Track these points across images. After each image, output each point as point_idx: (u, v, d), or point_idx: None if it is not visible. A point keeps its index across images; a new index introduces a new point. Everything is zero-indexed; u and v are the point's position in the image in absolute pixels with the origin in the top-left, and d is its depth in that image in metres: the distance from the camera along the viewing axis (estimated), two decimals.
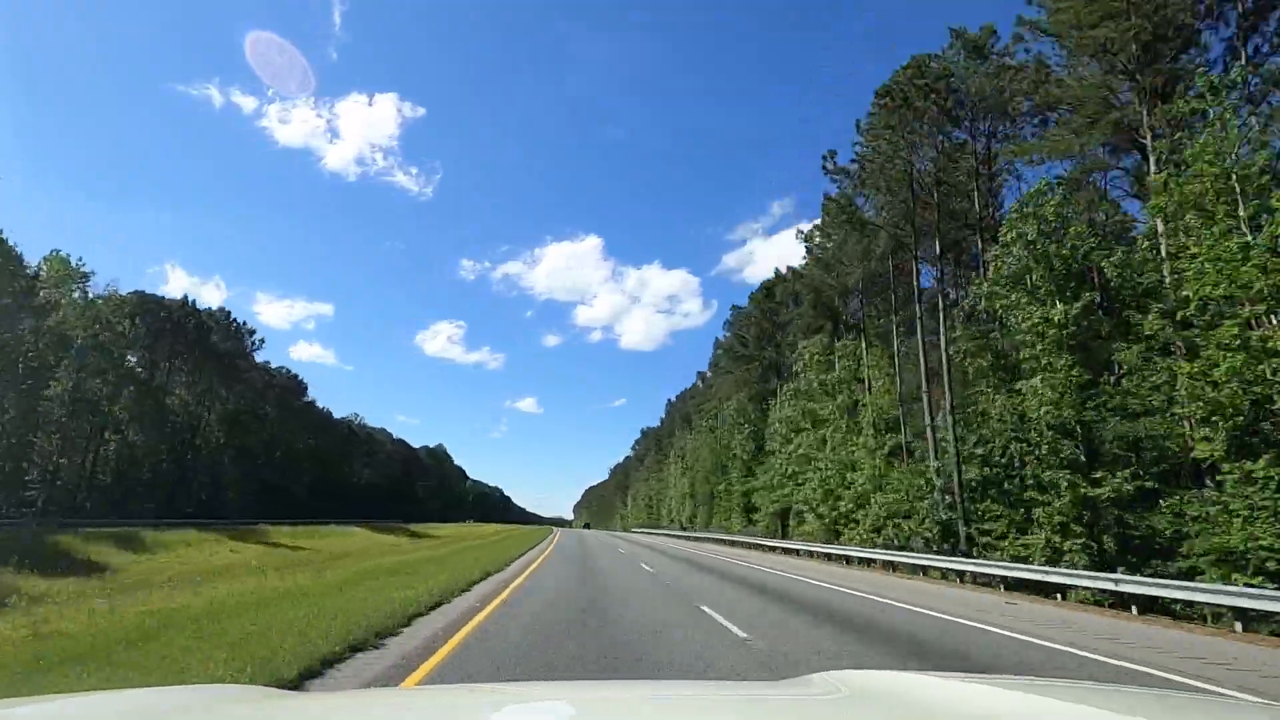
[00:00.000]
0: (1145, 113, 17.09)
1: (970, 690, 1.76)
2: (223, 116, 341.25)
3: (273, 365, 76.38)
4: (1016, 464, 18.10)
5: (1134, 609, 12.49)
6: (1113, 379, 16.90)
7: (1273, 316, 12.27)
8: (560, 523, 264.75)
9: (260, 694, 1.93)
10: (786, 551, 33.00)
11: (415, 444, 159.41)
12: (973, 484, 19.60)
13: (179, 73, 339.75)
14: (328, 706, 1.88)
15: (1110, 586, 12.82)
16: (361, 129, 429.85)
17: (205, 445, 57.09)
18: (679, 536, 59.88)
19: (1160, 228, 16.12)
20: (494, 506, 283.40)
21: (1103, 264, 16.60)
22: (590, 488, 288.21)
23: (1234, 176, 12.91)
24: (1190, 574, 13.25)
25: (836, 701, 1.77)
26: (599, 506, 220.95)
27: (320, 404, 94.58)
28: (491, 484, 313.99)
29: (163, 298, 50.65)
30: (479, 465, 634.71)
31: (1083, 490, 14.97)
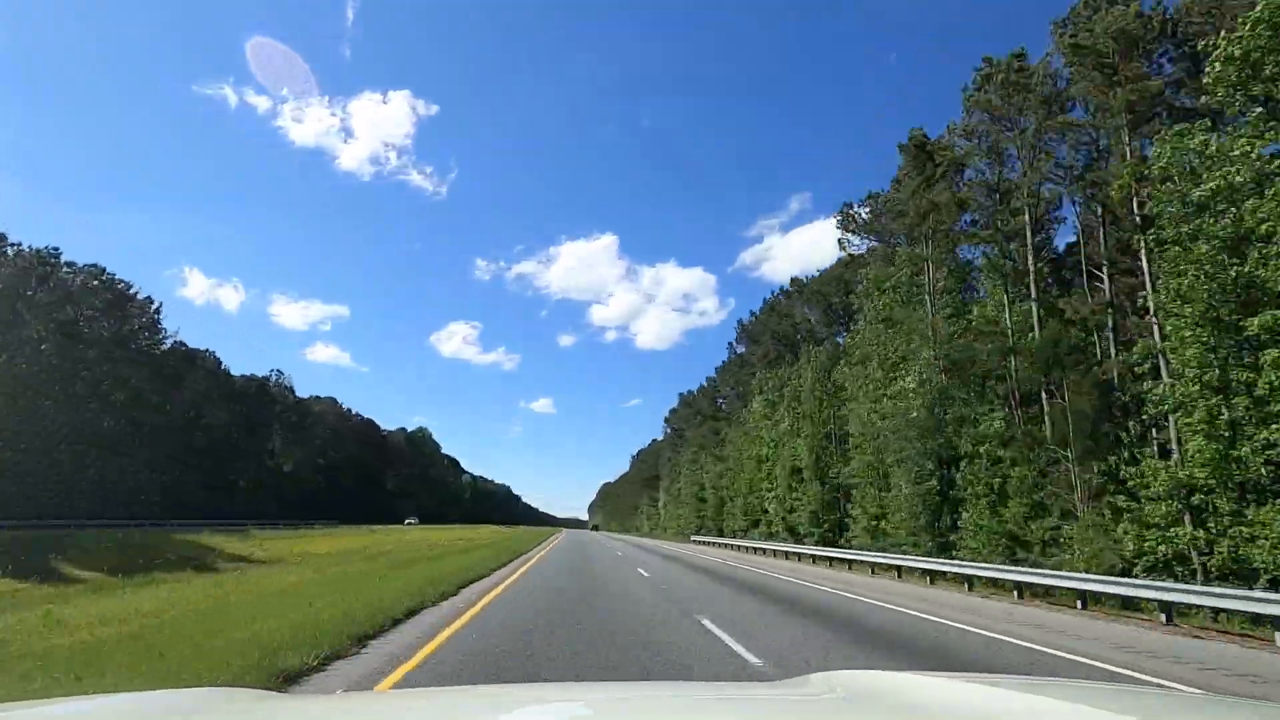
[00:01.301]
0: None
1: (968, 690, 1.74)
2: (238, 116, 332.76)
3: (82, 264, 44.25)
4: None
5: None
6: None
7: None
8: (575, 523, 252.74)
9: (255, 696, 1.92)
10: None
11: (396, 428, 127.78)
12: None
13: (193, 73, 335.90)
14: (327, 708, 1.89)
15: None
16: (375, 128, 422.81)
17: None
18: (820, 557, 27.30)
19: None
20: (499, 505, 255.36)
21: None
22: (606, 484, 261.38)
23: None
24: None
25: (836, 702, 1.77)
26: (615, 506, 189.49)
27: (204, 348, 62.90)
28: (499, 481, 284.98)
29: None
30: (495, 466, 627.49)
31: None
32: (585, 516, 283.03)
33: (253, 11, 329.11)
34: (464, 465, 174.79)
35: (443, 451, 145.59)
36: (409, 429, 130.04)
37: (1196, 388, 12.16)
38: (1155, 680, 6.89)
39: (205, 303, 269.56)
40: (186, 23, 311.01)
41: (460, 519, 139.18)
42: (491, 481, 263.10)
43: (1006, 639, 9.25)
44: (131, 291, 48.29)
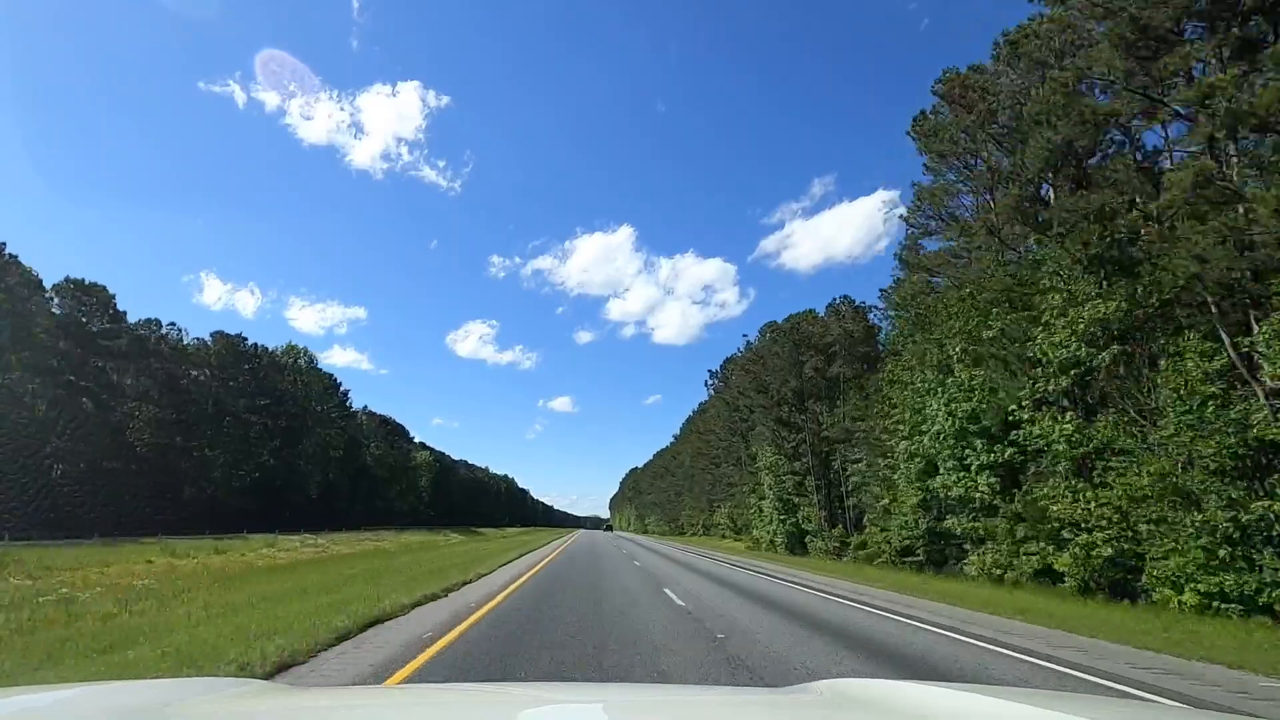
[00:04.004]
0: None
1: (969, 700, 1.73)
2: (247, 116, 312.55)
3: None
4: None
5: None
6: None
7: None
8: (596, 522, 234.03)
9: (259, 688, 1.93)
10: None
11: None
12: None
13: (201, 70, 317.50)
14: (333, 702, 1.89)
15: None
16: (386, 122, 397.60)
17: None
18: None
19: None
20: (501, 503, 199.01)
21: None
22: (634, 470, 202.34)
23: None
24: None
25: (839, 708, 1.77)
26: (656, 493, 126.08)
27: None
28: (500, 472, 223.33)
29: None
30: (514, 466, 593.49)
31: None
32: (607, 514, 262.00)
33: (257, 6, 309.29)
34: (405, 429, 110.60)
35: (358, 407, 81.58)
36: (266, 345, 66.11)
37: None
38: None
39: (223, 308, 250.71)
40: (189, 18, 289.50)
41: (424, 521, 79.68)
42: (484, 470, 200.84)
43: None
44: None
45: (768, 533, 43.33)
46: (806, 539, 37.23)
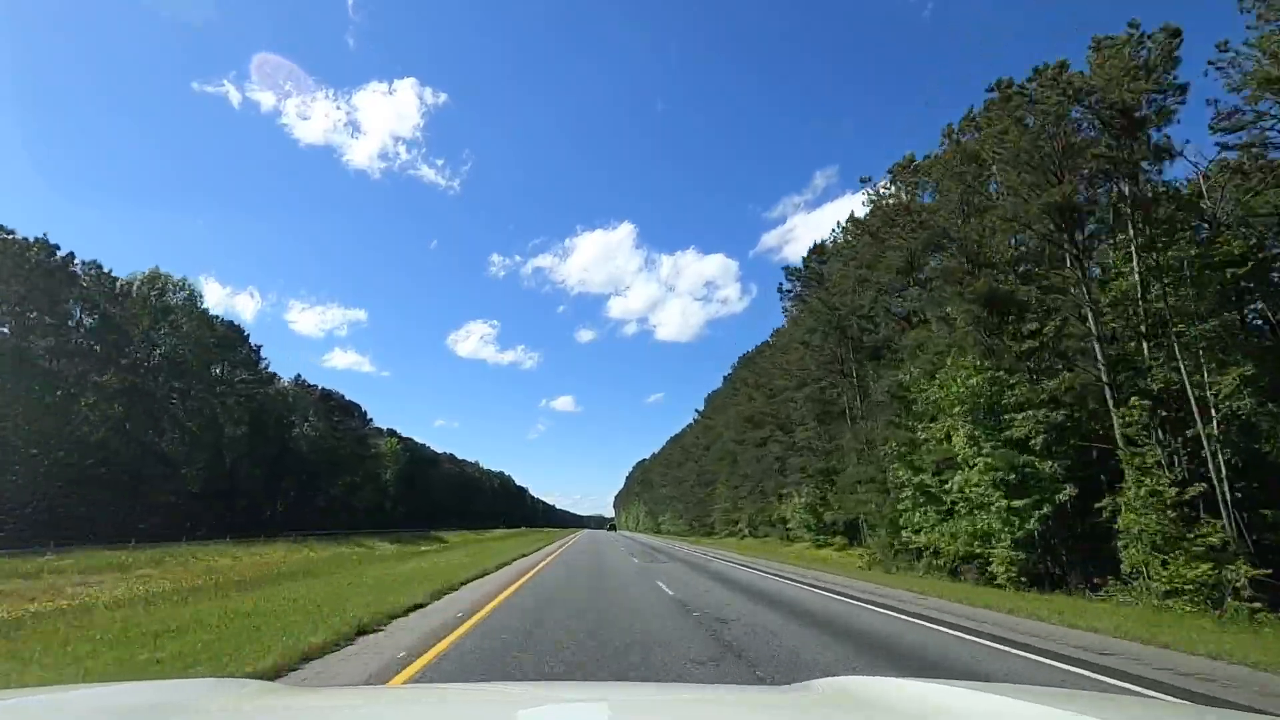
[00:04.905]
0: None
1: (970, 698, 1.71)
2: (243, 116, 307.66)
3: None
4: None
5: None
6: None
7: None
8: (600, 522, 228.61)
9: (260, 688, 1.91)
10: None
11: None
12: None
13: (196, 70, 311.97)
14: (336, 702, 1.85)
15: None
16: (383, 121, 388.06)
17: None
18: None
19: None
20: (496, 501, 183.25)
21: None
22: (641, 463, 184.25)
23: None
24: None
25: (839, 707, 1.75)
26: (674, 484, 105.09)
27: None
28: (495, 469, 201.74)
29: None
30: (516, 466, 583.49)
31: None
32: (611, 513, 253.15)
33: (250, 5, 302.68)
34: (360, 409, 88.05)
35: (262, 360, 59.31)
36: (100, 262, 44.02)
37: None
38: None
39: (222, 312, 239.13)
40: (184, 18, 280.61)
41: (390, 523, 58.77)
42: (475, 466, 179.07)
43: None
44: None
45: (948, 535, 21.68)
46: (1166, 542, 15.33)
